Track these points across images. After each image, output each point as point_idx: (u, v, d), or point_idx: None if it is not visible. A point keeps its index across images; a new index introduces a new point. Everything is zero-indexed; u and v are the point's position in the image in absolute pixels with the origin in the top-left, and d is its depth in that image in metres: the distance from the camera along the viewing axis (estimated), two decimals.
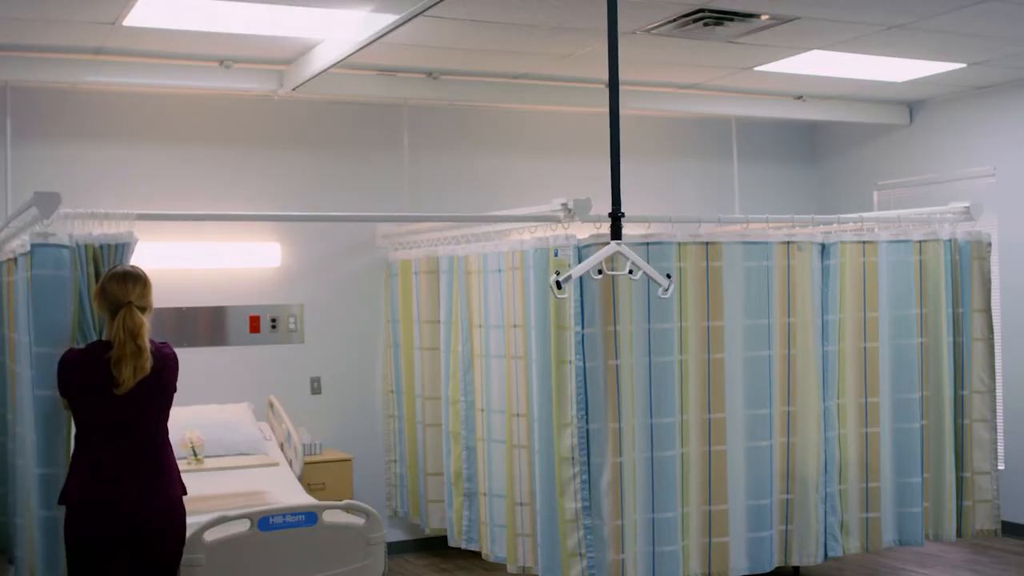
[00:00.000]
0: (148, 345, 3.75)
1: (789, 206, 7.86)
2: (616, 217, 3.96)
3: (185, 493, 3.91)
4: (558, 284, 3.79)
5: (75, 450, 3.80)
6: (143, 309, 3.80)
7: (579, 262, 4.81)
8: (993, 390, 5.86)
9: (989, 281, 5.89)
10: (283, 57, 5.94)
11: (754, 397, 5.23)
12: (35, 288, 3.95)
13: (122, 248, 4.12)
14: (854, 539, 5.50)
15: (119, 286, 3.78)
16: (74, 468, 3.77)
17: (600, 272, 3.95)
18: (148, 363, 3.73)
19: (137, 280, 3.82)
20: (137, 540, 3.73)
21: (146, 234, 4.44)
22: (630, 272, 3.96)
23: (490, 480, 5.47)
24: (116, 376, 3.68)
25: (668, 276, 3.94)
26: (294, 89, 6.07)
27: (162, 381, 3.83)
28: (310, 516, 4.60)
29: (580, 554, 4.75)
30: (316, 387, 6.63)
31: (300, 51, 5.80)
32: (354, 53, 5.31)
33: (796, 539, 5.32)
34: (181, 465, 4.23)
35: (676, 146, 7.79)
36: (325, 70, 5.66)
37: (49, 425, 3.94)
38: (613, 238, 3.96)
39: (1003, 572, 6.15)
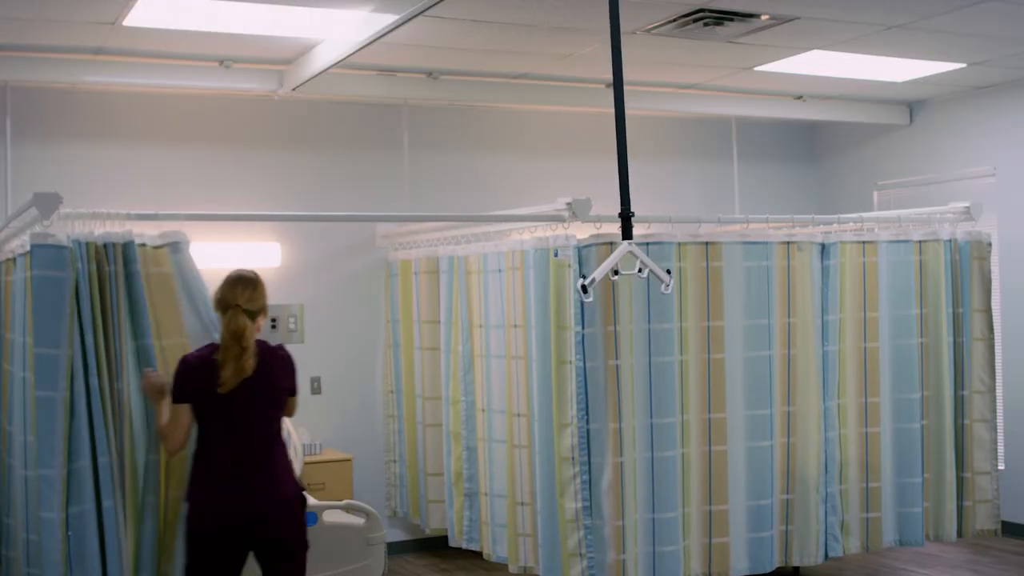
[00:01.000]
0: (252, 346, 3.86)
1: (789, 206, 7.85)
2: (626, 217, 3.95)
3: (303, 489, 4.02)
4: (584, 288, 3.85)
5: (195, 450, 3.95)
6: (253, 312, 3.92)
7: (579, 262, 4.82)
8: (993, 390, 5.86)
9: (989, 281, 5.89)
10: (283, 57, 5.94)
11: (754, 397, 5.23)
12: (34, 289, 3.94)
13: (129, 247, 4.13)
14: (854, 539, 5.50)
15: (229, 289, 3.93)
16: (192, 467, 3.94)
17: (616, 272, 3.98)
18: (250, 364, 3.85)
19: (247, 284, 3.94)
20: (245, 539, 3.87)
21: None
22: (640, 271, 3.98)
23: (491, 480, 5.47)
24: (219, 376, 3.82)
25: (668, 272, 4.01)
26: (294, 89, 6.07)
27: (269, 382, 3.94)
28: (310, 516, 4.60)
29: (581, 554, 4.75)
30: (316, 387, 6.63)
31: (300, 51, 5.80)
32: (354, 53, 5.31)
33: (797, 539, 5.32)
34: None
35: (676, 146, 7.79)
36: (325, 70, 5.66)
37: (48, 426, 3.92)
38: (624, 238, 3.95)
39: (1003, 572, 6.15)
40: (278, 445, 3.98)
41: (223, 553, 3.87)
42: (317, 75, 5.75)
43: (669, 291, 4.08)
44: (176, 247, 4.26)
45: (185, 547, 3.94)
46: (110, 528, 3.99)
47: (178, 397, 3.90)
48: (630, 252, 3.92)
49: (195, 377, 3.88)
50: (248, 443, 3.90)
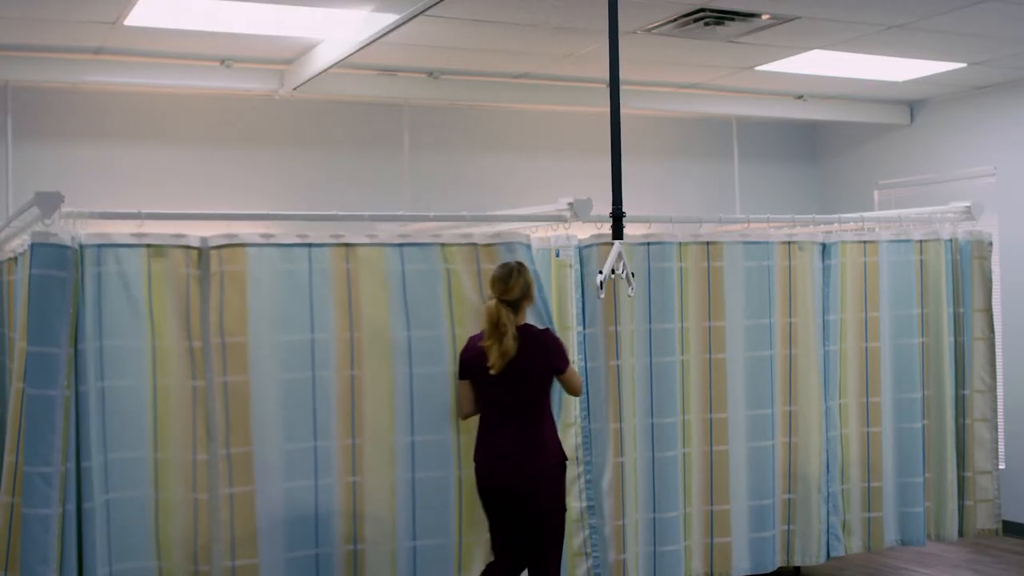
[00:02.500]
0: (510, 331, 4.27)
1: (790, 206, 7.86)
2: (618, 217, 3.98)
3: (564, 459, 4.38)
4: (601, 284, 4.11)
5: (479, 420, 4.43)
6: (509, 302, 4.32)
7: (579, 262, 4.82)
8: (994, 389, 5.86)
9: (990, 281, 5.89)
10: (284, 57, 5.93)
11: (755, 397, 5.23)
12: (33, 287, 3.93)
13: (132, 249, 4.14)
14: (856, 539, 5.50)
15: (489, 283, 4.39)
16: (477, 435, 4.43)
17: (614, 272, 4.14)
18: (511, 346, 4.26)
19: (500, 279, 4.35)
20: (502, 501, 4.33)
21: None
22: (621, 272, 4.09)
23: None
24: (488, 359, 4.28)
25: (632, 274, 4.23)
26: (295, 89, 6.07)
27: (526, 362, 4.30)
28: None
29: (586, 553, 4.76)
30: None
31: (301, 51, 5.80)
32: (354, 53, 5.31)
33: (798, 539, 5.32)
34: None
35: (677, 146, 7.79)
36: (326, 70, 5.66)
37: (43, 424, 3.91)
38: (615, 238, 3.99)
39: (1004, 572, 6.15)
40: (542, 422, 4.34)
41: (491, 511, 4.38)
42: (318, 75, 5.75)
43: (632, 295, 4.45)
44: (510, 247, 4.59)
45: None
46: (88, 528, 4.00)
47: (459, 374, 4.46)
48: (620, 253, 3.98)
49: (472, 360, 4.39)
50: (515, 418, 4.32)
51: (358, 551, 4.41)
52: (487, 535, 4.49)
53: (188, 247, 4.23)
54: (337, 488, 4.39)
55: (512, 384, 4.31)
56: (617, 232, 4.04)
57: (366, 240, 4.48)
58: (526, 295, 4.39)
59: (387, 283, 4.47)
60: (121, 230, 4.19)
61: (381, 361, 4.45)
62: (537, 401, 4.35)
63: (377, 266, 4.48)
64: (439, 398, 4.52)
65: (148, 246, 4.16)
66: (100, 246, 4.09)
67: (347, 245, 4.43)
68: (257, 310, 4.25)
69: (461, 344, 4.51)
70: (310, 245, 4.38)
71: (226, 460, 4.20)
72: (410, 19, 4.82)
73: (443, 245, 4.58)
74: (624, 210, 4.04)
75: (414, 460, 4.48)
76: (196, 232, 4.31)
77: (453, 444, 4.55)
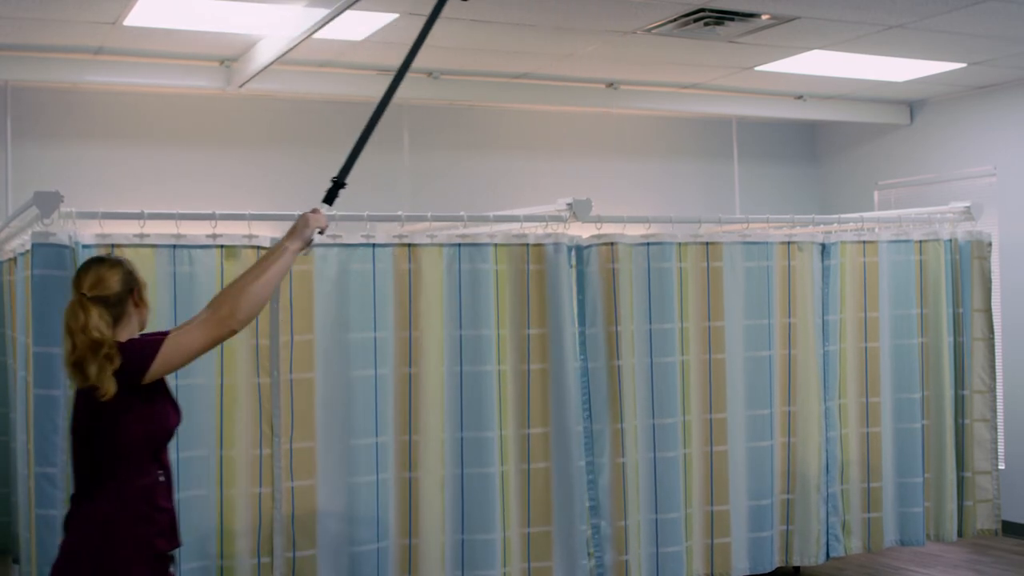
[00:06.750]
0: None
1: (789, 206, 7.86)
2: (337, 184, 3.81)
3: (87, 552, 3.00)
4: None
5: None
6: (97, 299, 2.97)
7: (580, 262, 4.82)
8: (994, 390, 5.86)
9: (989, 281, 5.89)
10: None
11: (755, 397, 5.22)
12: (34, 287, 3.94)
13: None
14: (855, 539, 5.50)
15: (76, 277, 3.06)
16: None
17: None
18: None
19: (87, 269, 3.04)
20: None
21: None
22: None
23: None
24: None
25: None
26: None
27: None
28: None
29: (589, 553, 4.77)
30: None
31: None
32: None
33: (797, 539, 5.32)
34: None
35: (677, 146, 7.79)
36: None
37: (47, 424, 3.92)
38: (324, 201, 3.84)
39: (1004, 572, 6.15)
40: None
41: None
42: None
43: None
44: (557, 247, 4.70)
45: None
46: None
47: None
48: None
49: None
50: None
51: (412, 545, 4.51)
52: (526, 529, 4.63)
53: (259, 247, 4.34)
54: (393, 483, 4.50)
55: None
56: (329, 198, 3.83)
57: (427, 240, 4.60)
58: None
59: (443, 282, 4.60)
60: (123, 230, 4.20)
61: (434, 359, 4.57)
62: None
63: (436, 266, 4.60)
64: (486, 396, 4.60)
65: (221, 247, 4.28)
66: (175, 247, 4.20)
67: (409, 245, 4.56)
68: (324, 308, 4.39)
69: (505, 344, 4.60)
70: (374, 245, 4.51)
71: (289, 455, 4.32)
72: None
73: (496, 245, 4.68)
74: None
75: (463, 456, 4.58)
76: (195, 231, 4.32)
77: (497, 441, 4.63)
